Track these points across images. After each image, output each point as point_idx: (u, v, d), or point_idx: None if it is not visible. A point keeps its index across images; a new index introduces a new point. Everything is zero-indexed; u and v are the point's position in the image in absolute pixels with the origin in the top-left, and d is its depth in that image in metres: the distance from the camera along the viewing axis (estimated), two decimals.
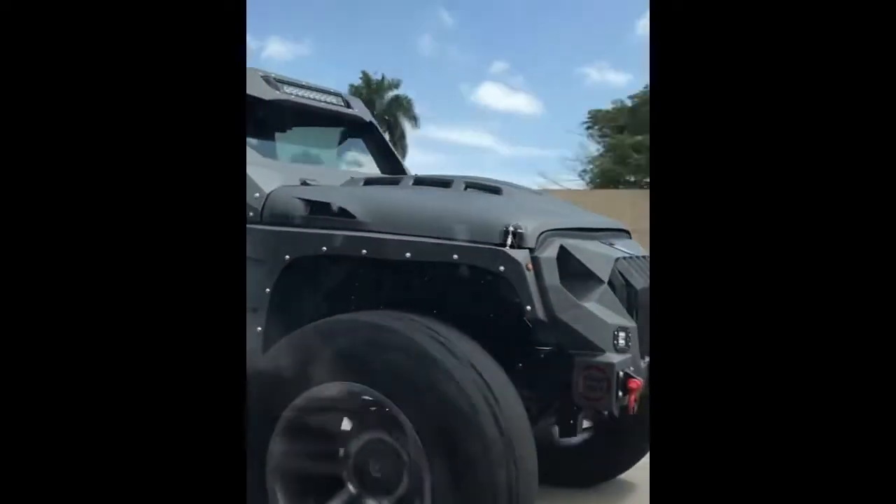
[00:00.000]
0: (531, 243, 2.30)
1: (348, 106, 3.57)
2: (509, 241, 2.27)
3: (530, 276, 2.26)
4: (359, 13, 53.97)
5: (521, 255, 2.26)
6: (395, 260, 2.34)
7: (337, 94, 3.55)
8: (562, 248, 2.36)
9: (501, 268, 2.26)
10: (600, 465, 3.48)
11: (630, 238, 3.07)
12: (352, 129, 3.71)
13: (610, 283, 2.45)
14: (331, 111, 3.44)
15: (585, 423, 3.38)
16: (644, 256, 2.81)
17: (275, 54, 50.09)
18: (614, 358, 2.29)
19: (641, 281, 2.54)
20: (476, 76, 55.54)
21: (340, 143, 3.75)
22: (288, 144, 3.33)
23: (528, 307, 2.25)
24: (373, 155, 3.82)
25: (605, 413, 2.39)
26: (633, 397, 2.31)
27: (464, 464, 1.97)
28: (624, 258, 2.57)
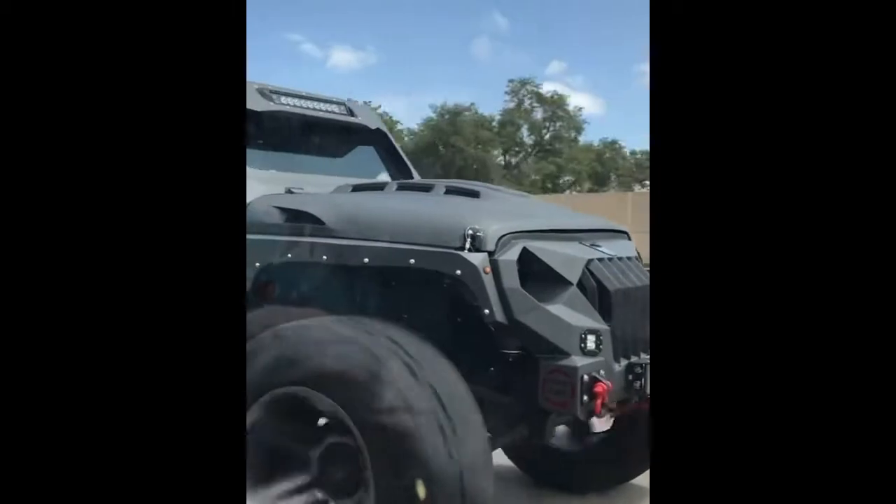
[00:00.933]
0: (490, 246, 2.28)
1: (352, 114, 3.61)
2: (467, 244, 2.26)
3: (488, 279, 2.24)
4: (416, 17, 55.10)
5: (477, 259, 2.24)
6: (354, 265, 2.37)
7: (340, 103, 3.61)
8: (525, 250, 2.33)
9: (458, 271, 2.25)
10: (610, 471, 3.41)
11: (628, 240, 3.00)
12: (358, 136, 3.75)
13: (581, 286, 2.41)
14: (331, 120, 3.50)
15: (600, 428, 3.34)
16: (630, 258, 2.74)
17: (340, 63, 51.57)
18: (579, 361, 2.25)
19: (616, 283, 2.48)
20: (534, 77, 55.76)
21: (348, 150, 3.80)
22: (286, 154, 3.40)
23: (487, 311, 2.23)
24: (383, 161, 3.86)
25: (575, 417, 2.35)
26: (599, 401, 2.26)
27: (404, 469, 1.97)
28: (599, 260, 2.51)
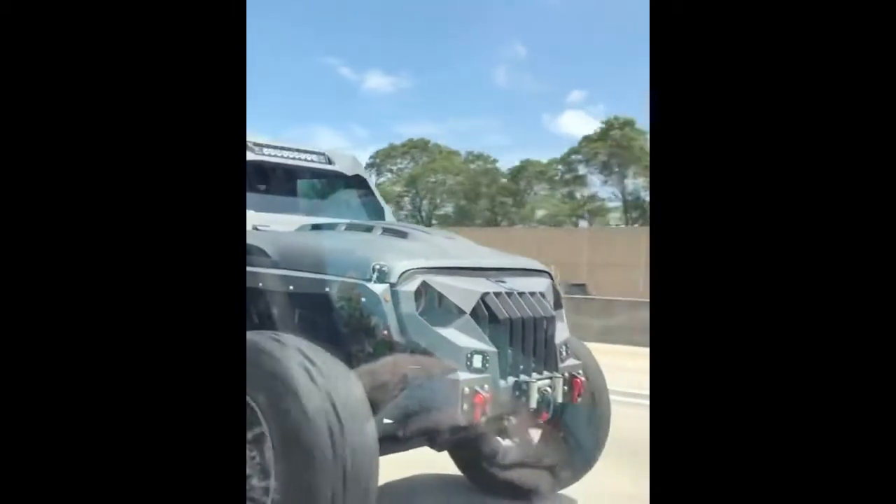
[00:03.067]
0: (393, 279, 2.79)
1: (330, 162, 4.19)
2: (373, 276, 2.78)
3: (388, 306, 2.76)
4: (440, 46, 57.08)
5: (380, 289, 2.76)
6: (282, 291, 2.91)
7: (321, 154, 4.19)
8: (423, 283, 2.84)
9: (363, 299, 2.77)
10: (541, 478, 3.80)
11: (548, 278, 3.46)
12: (338, 182, 4.32)
13: (475, 314, 2.89)
14: (310, 168, 4.08)
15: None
16: (533, 293, 3.19)
17: (376, 86, 54.18)
18: (462, 376, 2.73)
19: (506, 313, 2.95)
20: (556, 106, 57.48)
21: (329, 194, 4.37)
22: (269, 196, 3.96)
23: (385, 332, 2.74)
24: (362, 203, 4.42)
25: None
26: (478, 410, 2.72)
27: (295, 459, 2.46)
28: (496, 294, 2.99)
